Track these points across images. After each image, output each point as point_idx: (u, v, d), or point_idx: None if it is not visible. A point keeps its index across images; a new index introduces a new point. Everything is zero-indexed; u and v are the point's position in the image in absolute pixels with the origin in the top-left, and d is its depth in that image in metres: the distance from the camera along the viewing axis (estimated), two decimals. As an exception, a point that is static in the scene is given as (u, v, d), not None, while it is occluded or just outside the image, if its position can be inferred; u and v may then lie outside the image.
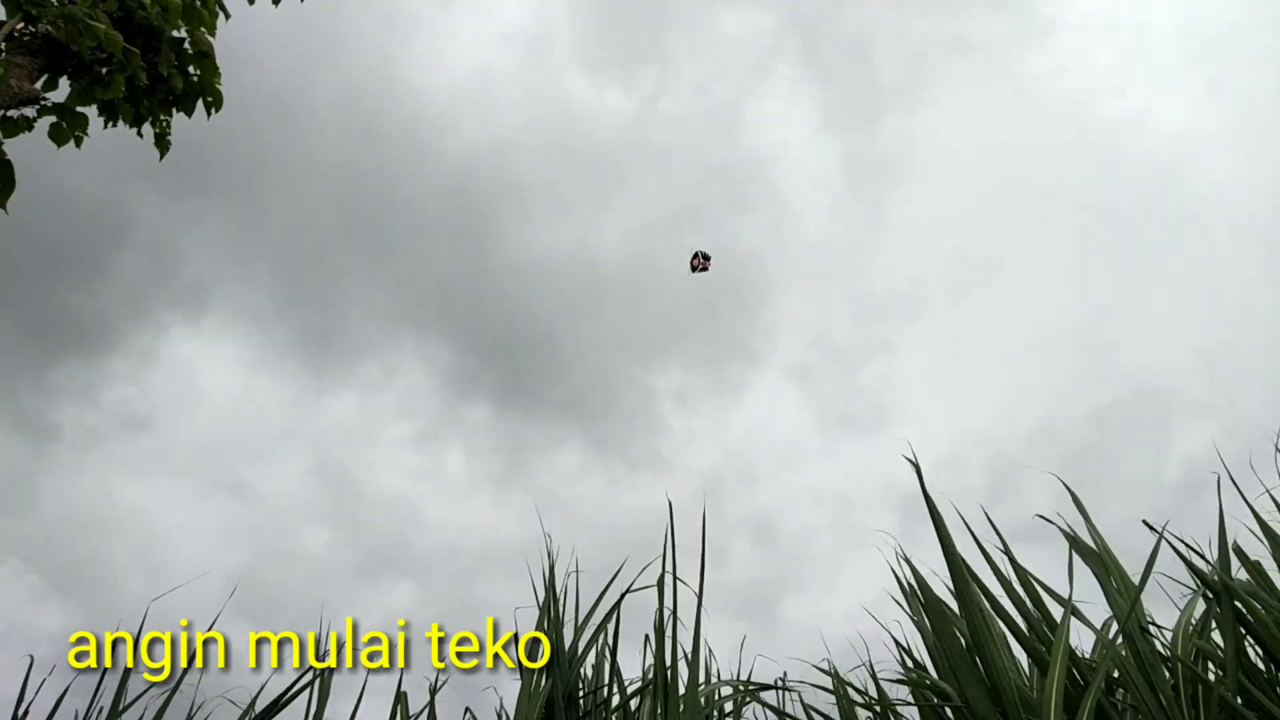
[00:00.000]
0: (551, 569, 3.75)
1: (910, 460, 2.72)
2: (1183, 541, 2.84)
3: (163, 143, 3.73)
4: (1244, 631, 2.54)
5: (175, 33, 3.62)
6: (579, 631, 3.72)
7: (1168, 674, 2.36)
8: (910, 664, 3.38)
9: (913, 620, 3.30)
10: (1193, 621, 2.65)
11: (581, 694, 3.54)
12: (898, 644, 3.51)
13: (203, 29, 3.67)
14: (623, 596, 3.62)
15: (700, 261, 15.11)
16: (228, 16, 3.80)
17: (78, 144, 3.49)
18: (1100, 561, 2.75)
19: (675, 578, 3.39)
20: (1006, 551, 2.86)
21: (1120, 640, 2.41)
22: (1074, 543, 2.81)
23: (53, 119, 3.50)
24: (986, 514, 2.89)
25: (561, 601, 3.74)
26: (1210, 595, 2.69)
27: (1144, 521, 2.98)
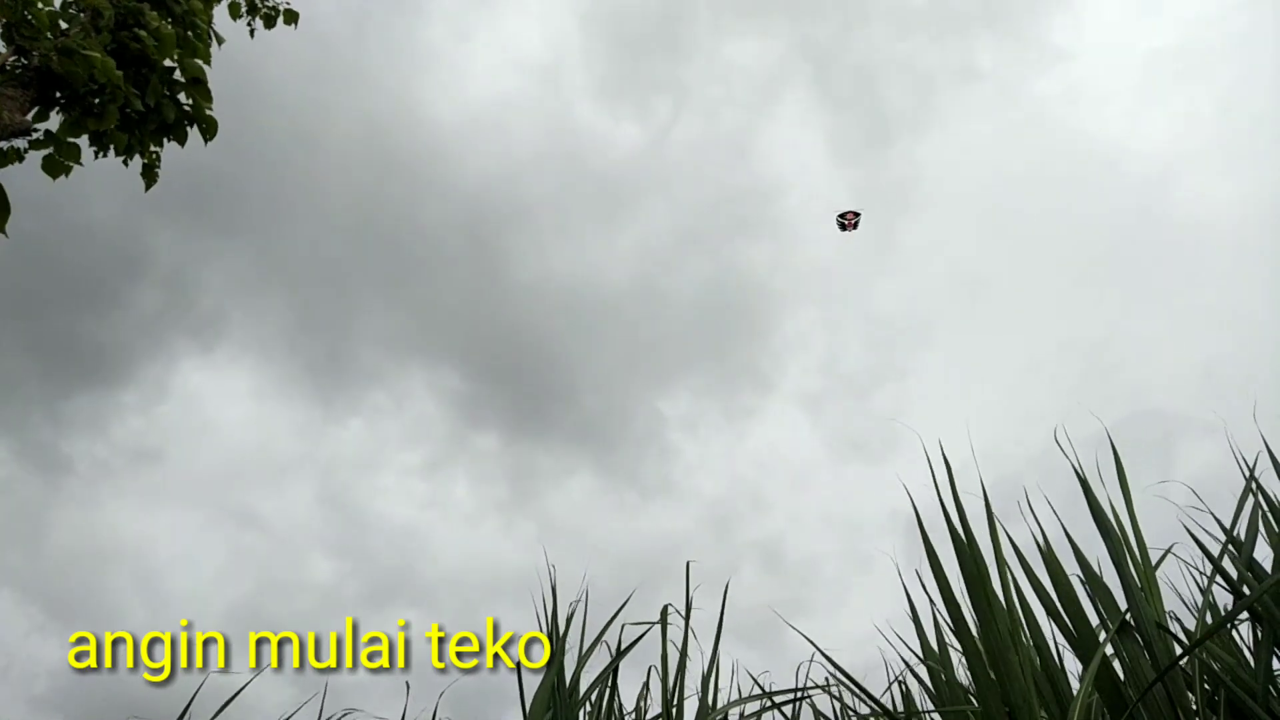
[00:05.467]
0: (554, 615, 3.67)
1: (932, 474, 2.66)
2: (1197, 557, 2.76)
3: (150, 174, 3.74)
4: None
5: (167, 61, 3.65)
6: (580, 663, 3.63)
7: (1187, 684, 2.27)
8: (911, 689, 3.30)
9: (923, 647, 3.21)
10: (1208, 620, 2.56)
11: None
12: (910, 669, 3.43)
13: (195, 58, 3.69)
14: (620, 655, 3.55)
15: (850, 219, 15.04)
16: (220, 43, 3.83)
17: (67, 174, 3.50)
18: (1118, 541, 2.56)
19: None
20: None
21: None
22: (1096, 515, 2.63)
23: (45, 151, 3.52)
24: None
25: (564, 634, 3.67)
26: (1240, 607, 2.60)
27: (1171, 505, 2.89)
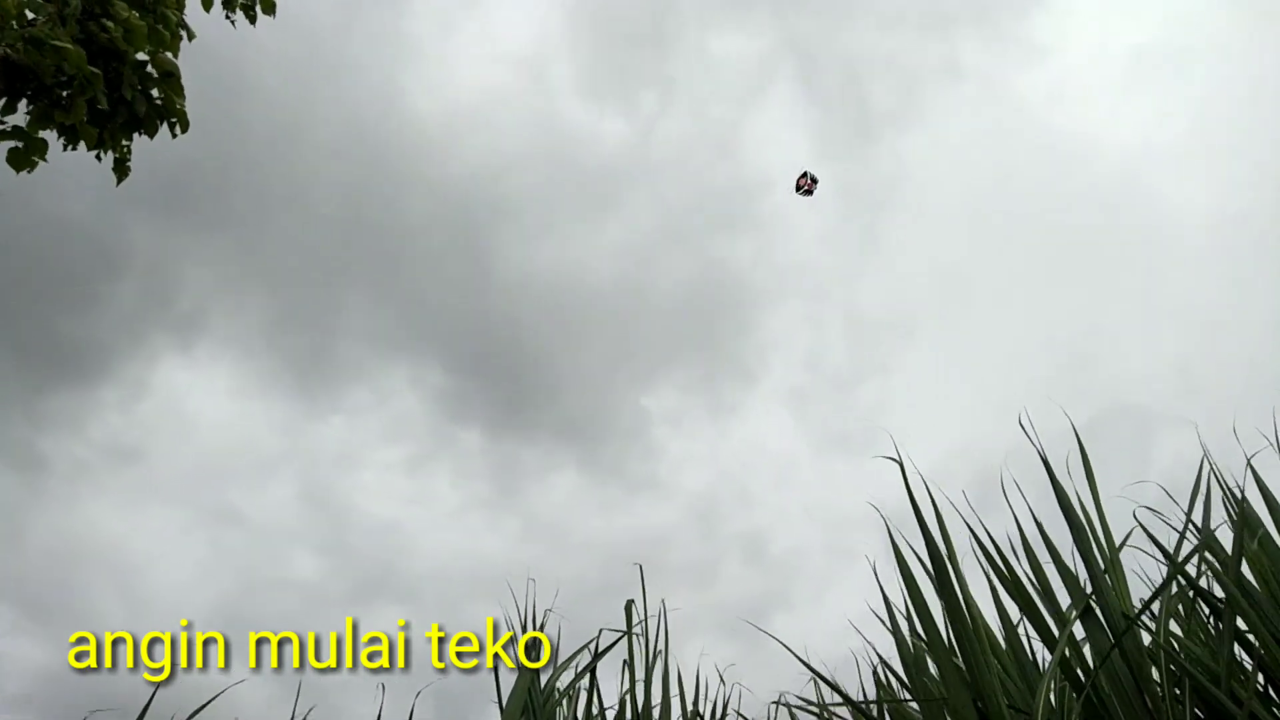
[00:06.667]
0: (532, 616, 3.65)
1: (895, 459, 2.67)
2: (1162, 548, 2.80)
3: (121, 168, 3.69)
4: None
5: (138, 55, 3.59)
6: (558, 670, 3.63)
7: (1155, 673, 2.30)
8: (888, 679, 3.32)
9: (899, 634, 3.24)
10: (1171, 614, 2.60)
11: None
12: (882, 660, 3.46)
13: (165, 51, 3.64)
14: (596, 659, 3.54)
15: (808, 183, 14.90)
16: (191, 37, 3.78)
17: (31, 169, 3.44)
18: (1084, 533, 2.58)
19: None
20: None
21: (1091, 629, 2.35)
22: (1063, 504, 2.66)
23: (12, 143, 3.46)
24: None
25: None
26: (1199, 600, 2.64)
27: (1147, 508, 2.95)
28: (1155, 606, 2.53)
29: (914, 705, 3.07)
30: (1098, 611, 2.37)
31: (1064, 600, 2.56)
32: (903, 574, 2.72)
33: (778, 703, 3.45)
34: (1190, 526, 2.84)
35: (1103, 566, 2.38)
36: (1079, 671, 2.37)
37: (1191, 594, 2.69)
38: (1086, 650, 2.47)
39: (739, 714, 3.60)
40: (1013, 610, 2.90)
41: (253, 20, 4.40)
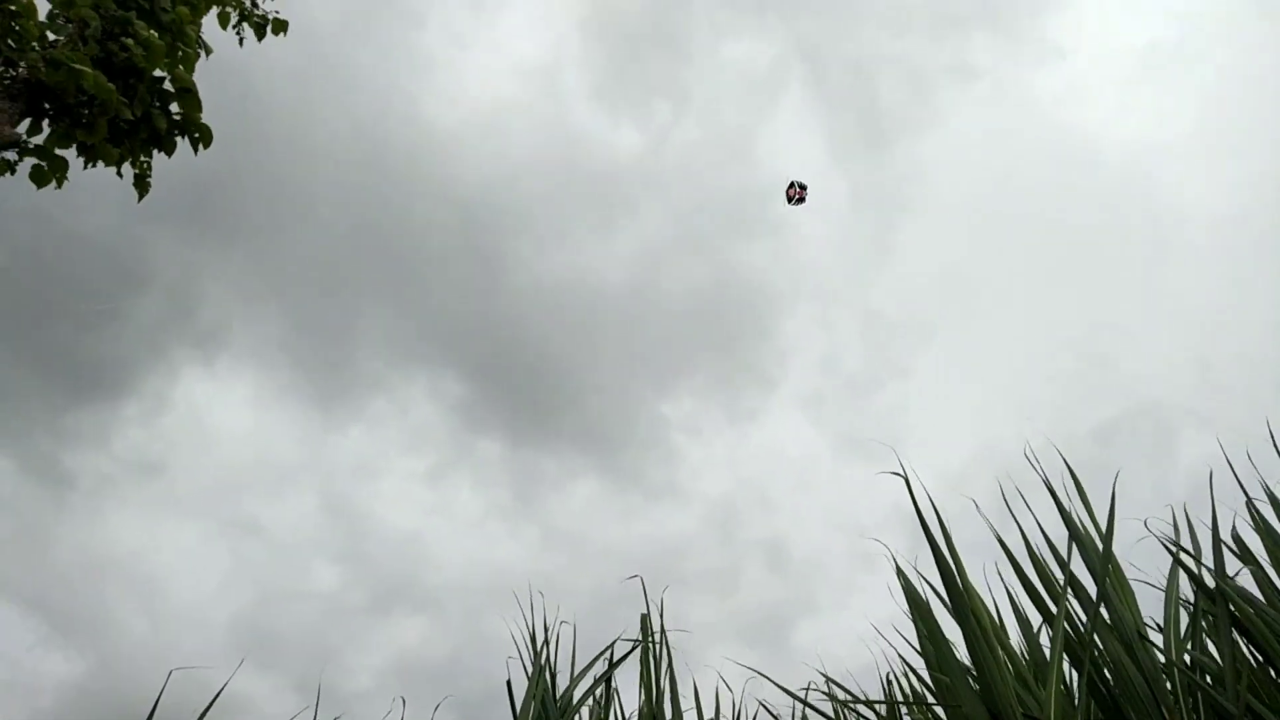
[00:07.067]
0: (543, 631, 3.63)
1: (900, 474, 2.64)
2: (1181, 548, 2.77)
3: (142, 184, 3.74)
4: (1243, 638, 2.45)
5: (156, 71, 3.65)
6: (574, 681, 3.60)
7: (1168, 684, 2.26)
8: (914, 687, 3.28)
9: (917, 642, 3.21)
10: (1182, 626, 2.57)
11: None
12: (906, 664, 3.43)
13: (182, 67, 3.69)
14: (613, 667, 3.51)
15: (797, 192, 14.96)
16: (208, 53, 3.83)
17: (59, 185, 3.49)
18: (1092, 553, 2.60)
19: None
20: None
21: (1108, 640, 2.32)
22: (1070, 528, 2.67)
23: (34, 161, 3.52)
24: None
25: (553, 649, 3.63)
26: (1206, 598, 2.60)
27: (1144, 524, 2.94)
28: (1177, 617, 2.49)
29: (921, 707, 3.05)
30: (1105, 615, 2.36)
31: (1081, 613, 2.54)
32: (906, 592, 2.71)
33: (808, 689, 3.42)
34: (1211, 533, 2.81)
35: (1111, 583, 2.36)
36: (1101, 686, 2.33)
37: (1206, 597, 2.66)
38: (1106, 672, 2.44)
39: (765, 707, 3.58)
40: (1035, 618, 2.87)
41: (260, 36, 4.47)
